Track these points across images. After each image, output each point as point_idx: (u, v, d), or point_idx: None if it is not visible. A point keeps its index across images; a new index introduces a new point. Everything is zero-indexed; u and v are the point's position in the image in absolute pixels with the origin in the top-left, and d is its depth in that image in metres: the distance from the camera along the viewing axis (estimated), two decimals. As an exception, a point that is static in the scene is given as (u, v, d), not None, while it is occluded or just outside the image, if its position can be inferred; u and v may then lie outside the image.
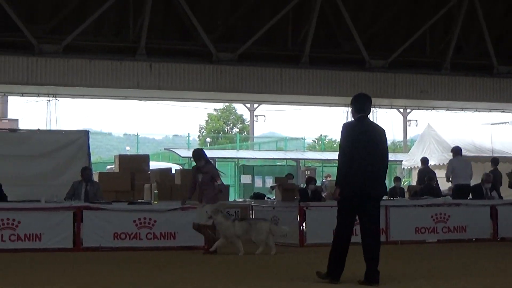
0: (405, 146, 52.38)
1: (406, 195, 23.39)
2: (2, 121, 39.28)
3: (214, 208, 14.71)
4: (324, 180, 33.77)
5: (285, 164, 41.47)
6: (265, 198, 23.32)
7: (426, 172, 22.92)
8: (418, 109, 30.81)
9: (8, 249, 15.26)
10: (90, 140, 20.30)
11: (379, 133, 10.18)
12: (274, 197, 22.78)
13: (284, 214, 17.97)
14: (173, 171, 22.50)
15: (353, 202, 9.95)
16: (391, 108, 33.29)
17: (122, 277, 11.38)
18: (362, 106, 10.21)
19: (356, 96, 10.43)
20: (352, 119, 10.32)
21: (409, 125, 54.86)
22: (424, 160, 24.05)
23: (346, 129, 10.10)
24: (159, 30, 22.73)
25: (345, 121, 15.60)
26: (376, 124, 10.52)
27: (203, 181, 15.09)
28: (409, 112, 52.47)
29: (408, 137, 54.28)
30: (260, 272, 12.01)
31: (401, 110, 49.98)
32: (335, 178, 10.37)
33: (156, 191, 17.67)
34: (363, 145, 9.94)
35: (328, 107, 29.96)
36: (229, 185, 25.00)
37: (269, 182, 35.04)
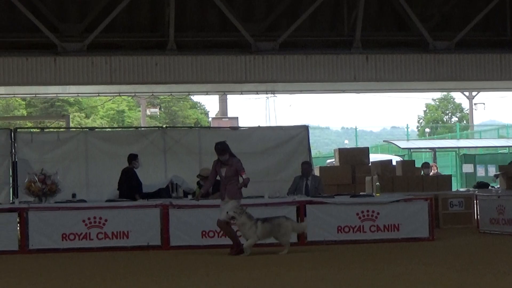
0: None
1: None
2: (223, 119, 40.59)
3: (238, 207, 13.92)
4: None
5: (508, 152, 39.94)
6: (489, 187, 22.59)
7: None
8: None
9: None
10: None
11: None
12: (498, 186, 22.01)
13: (509, 203, 17.28)
14: (394, 163, 22.31)
15: None
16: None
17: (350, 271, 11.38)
18: None
19: None
20: None
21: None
22: None
23: None
24: (373, 21, 22.56)
25: None
26: None
27: (227, 175, 14.05)
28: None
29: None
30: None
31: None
32: None
33: (377, 183, 17.57)
34: None
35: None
36: (450, 175, 24.40)
37: (492, 170, 33.93)
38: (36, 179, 16.11)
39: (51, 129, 21.32)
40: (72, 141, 19.87)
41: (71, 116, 31.66)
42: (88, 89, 21.91)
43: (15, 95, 27.48)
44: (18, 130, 20.09)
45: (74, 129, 22.26)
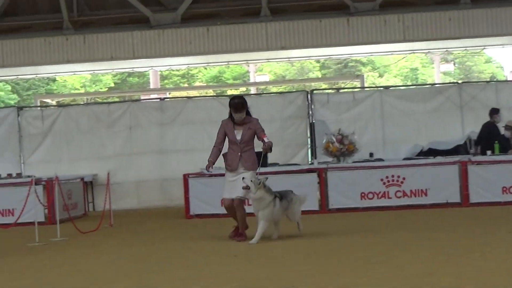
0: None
1: None
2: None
3: (258, 177, 11.06)
4: None
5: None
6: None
7: None
8: None
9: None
10: None
11: None
12: None
13: None
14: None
15: None
16: None
17: None
18: None
19: None
20: None
21: None
22: None
23: None
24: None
25: None
26: None
27: (244, 139, 11.28)
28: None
29: None
30: None
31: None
32: None
33: None
34: None
35: None
36: None
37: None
38: (334, 139, 16.38)
39: (346, 90, 21.53)
40: (368, 100, 19.98)
41: (365, 76, 31.76)
42: (381, 48, 21.80)
43: (309, 58, 28.07)
44: (314, 91, 20.56)
45: (369, 89, 22.26)
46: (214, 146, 11.43)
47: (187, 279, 7.97)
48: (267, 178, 11.05)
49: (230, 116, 11.33)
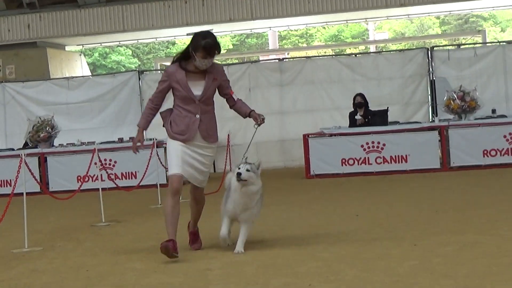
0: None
1: None
2: None
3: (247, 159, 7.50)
4: None
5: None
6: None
7: None
8: None
9: None
10: None
11: None
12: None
13: None
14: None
15: None
16: None
17: None
18: None
19: None
20: None
21: None
22: None
23: None
24: None
25: None
26: None
27: (206, 95, 7.49)
28: None
29: None
30: None
31: None
32: None
33: None
34: None
35: None
36: None
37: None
38: (455, 96, 16.04)
39: (467, 45, 20.98)
40: (489, 56, 19.43)
41: (487, 31, 30.86)
42: (502, 1, 21.16)
43: (429, 14, 27.49)
44: (435, 48, 20.14)
45: (491, 44, 21.63)
46: (148, 102, 7.79)
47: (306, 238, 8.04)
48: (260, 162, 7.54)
49: (180, 61, 7.53)
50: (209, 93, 7.54)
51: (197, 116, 7.47)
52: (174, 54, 7.80)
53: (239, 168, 7.29)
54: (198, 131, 7.46)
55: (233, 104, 7.81)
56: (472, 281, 5.47)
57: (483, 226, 8.02)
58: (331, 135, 15.87)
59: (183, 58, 7.51)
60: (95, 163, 11.09)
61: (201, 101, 7.47)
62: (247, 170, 7.30)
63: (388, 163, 15.71)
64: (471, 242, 7.12)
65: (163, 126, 7.67)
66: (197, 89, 7.46)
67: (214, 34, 7.54)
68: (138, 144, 7.60)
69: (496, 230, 7.73)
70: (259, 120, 7.54)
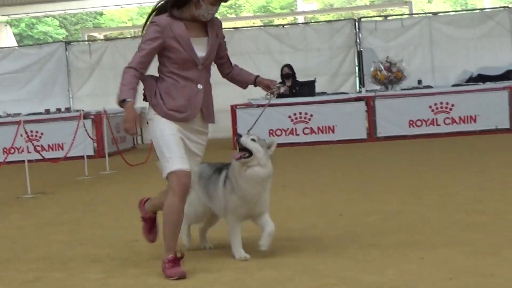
0: None
1: None
2: None
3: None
4: None
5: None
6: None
7: None
8: None
9: None
10: None
11: None
12: None
13: None
14: None
15: None
16: None
17: None
18: None
19: None
20: None
21: None
22: None
23: None
24: None
25: None
26: None
27: (209, 58, 5.55)
28: None
29: None
30: None
31: None
32: None
33: None
34: None
35: None
36: None
37: None
38: (382, 67, 16.23)
39: (395, 17, 21.20)
40: (416, 27, 19.71)
41: (413, 2, 31.19)
42: (429, -28, 21.40)
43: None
44: (362, 19, 20.30)
45: (417, 15, 21.90)
46: (129, 68, 5.48)
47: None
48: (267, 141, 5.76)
49: (171, 9, 5.36)
50: (213, 55, 5.59)
51: (200, 86, 5.48)
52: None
53: (240, 136, 5.58)
54: (201, 108, 5.50)
55: (229, 71, 5.98)
56: (396, 250, 5.57)
57: (407, 196, 8.17)
58: (258, 106, 15.90)
59: (175, 4, 5.34)
60: (21, 135, 10.91)
61: (204, 65, 5.49)
62: (252, 140, 5.56)
63: (316, 133, 15.84)
64: (396, 211, 7.25)
65: (144, 99, 5.66)
66: (199, 48, 5.43)
67: None
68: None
69: (420, 199, 7.88)
70: (273, 88, 5.87)
